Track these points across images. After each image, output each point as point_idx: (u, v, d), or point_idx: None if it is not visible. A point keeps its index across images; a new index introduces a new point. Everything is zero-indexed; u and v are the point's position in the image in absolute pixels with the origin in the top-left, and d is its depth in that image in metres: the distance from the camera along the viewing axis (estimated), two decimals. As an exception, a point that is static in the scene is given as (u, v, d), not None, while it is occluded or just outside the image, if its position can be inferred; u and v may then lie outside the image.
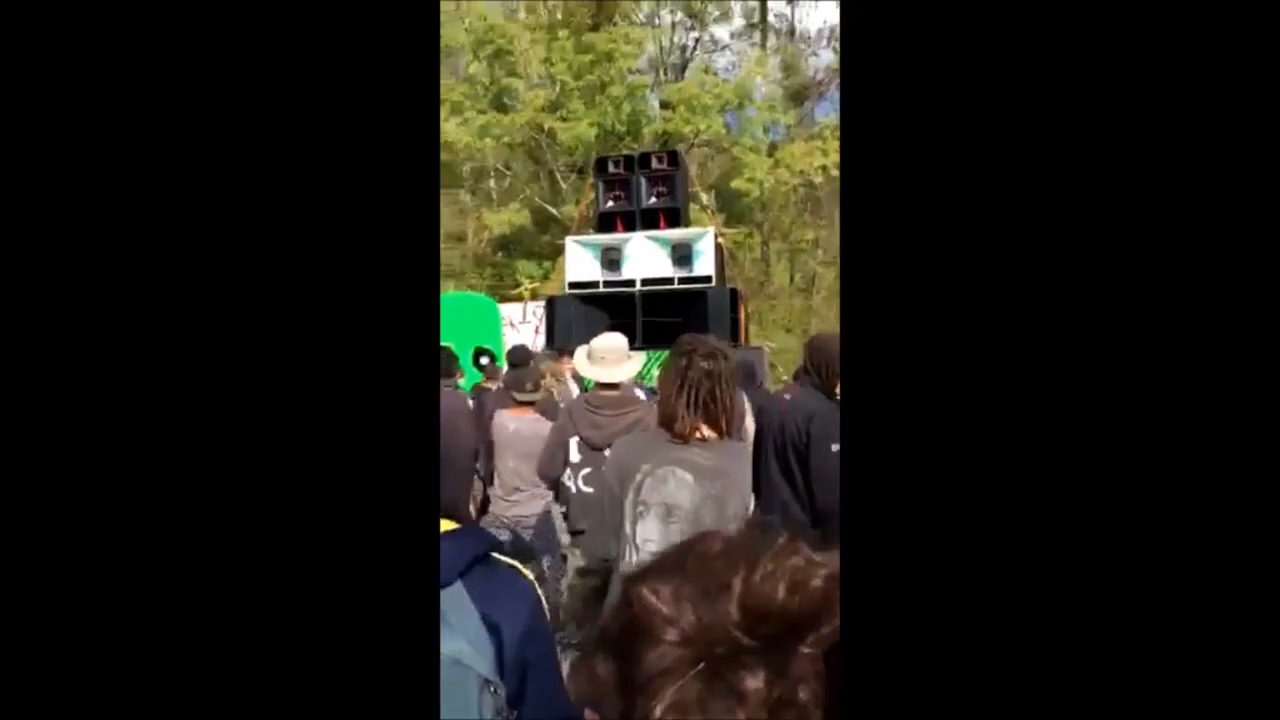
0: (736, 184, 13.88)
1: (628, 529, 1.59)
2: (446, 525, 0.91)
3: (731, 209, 14.62)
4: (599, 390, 2.49)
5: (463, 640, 0.82)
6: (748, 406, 3.38)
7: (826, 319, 13.35)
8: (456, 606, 0.84)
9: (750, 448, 2.21)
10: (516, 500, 3.13)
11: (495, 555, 0.92)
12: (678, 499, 1.57)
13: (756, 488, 2.81)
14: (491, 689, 0.82)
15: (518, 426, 3.13)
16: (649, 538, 1.56)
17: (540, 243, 15.06)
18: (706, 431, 1.66)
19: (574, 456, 2.43)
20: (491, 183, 15.70)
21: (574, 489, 2.45)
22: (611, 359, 2.51)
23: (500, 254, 15.81)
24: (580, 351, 2.60)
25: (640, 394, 2.87)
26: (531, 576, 0.93)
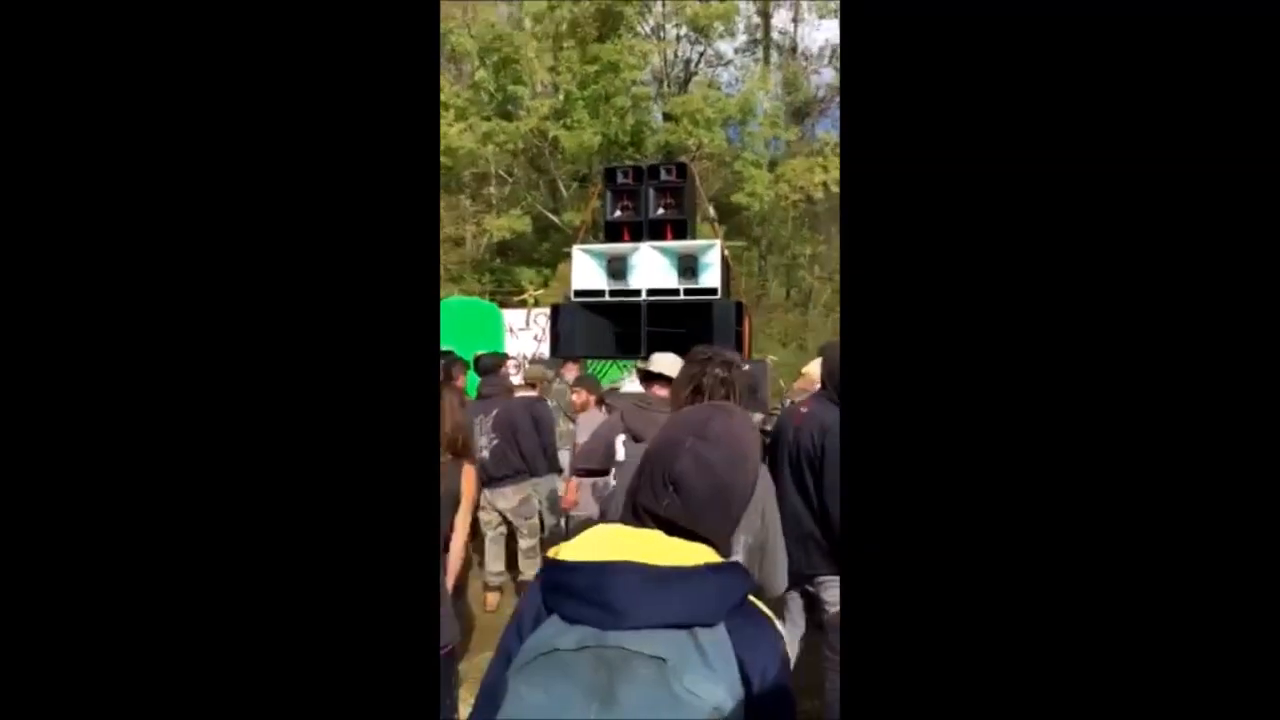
0: (737, 198, 13.96)
1: None
2: (709, 556, 0.86)
3: (729, 222, 14.69)
4: (650, 390, 2.55)
5: (724, 689, 0.76)
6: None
7: (822, 333, 13.41)
8: (720, 650, 0.78)
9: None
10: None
11: (752, 598, 0.86)
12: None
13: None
14: None
15: None
16: None
17: (540, 249, 15.08)
18: None
19: (620, 455, 2.45)
20: (492, 189, 15.72)
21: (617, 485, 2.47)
22: (663, 365, 2.56)
23: (499, 260, 15.81)
24: (633, 375, 2.66)
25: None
26: (780, 626, 0.87)
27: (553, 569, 0.86)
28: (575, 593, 0.81)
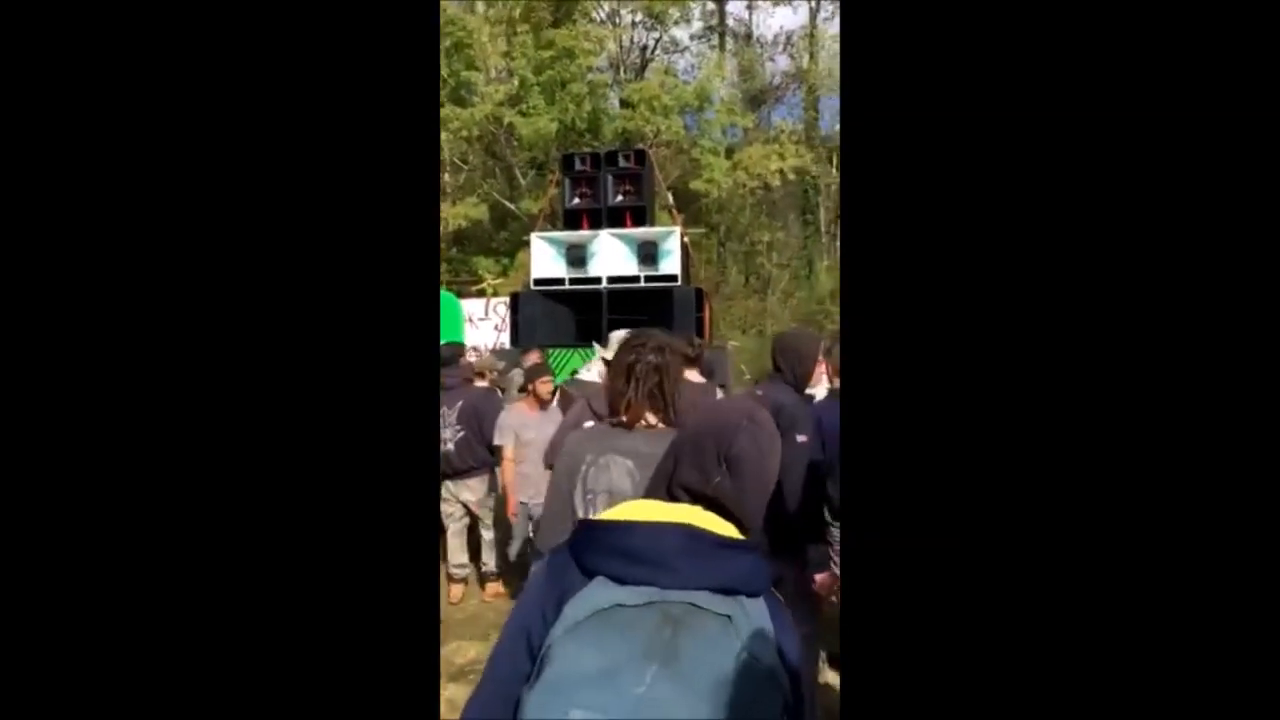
0: (695, 185, 13.98)
1: (582, 516, 1.64)
2: (733, 532, 0.86)
3: (688, 210, 14.73)
4: None
5: (774, 654, 0.77)
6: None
7: (780, 319, 13.57)
8: (764, 620, 0.79)
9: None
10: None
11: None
12: (620, 486, 1.63)
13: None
14: (787, 713, 0.77)
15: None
16: None
17: (498, 238, 14.89)
18: (652, 419, 1.73)
19: None
20: (447, 176, 15.46)
21: None
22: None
23: (456, 249, 15.58)
24: (598, 355, 2.60)
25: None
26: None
27: (597, 530, 0.85)
28: (627, 552, 0.80)
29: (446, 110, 13.27)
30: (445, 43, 13.49)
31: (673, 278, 5.91)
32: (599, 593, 0.78)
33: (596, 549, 0.83)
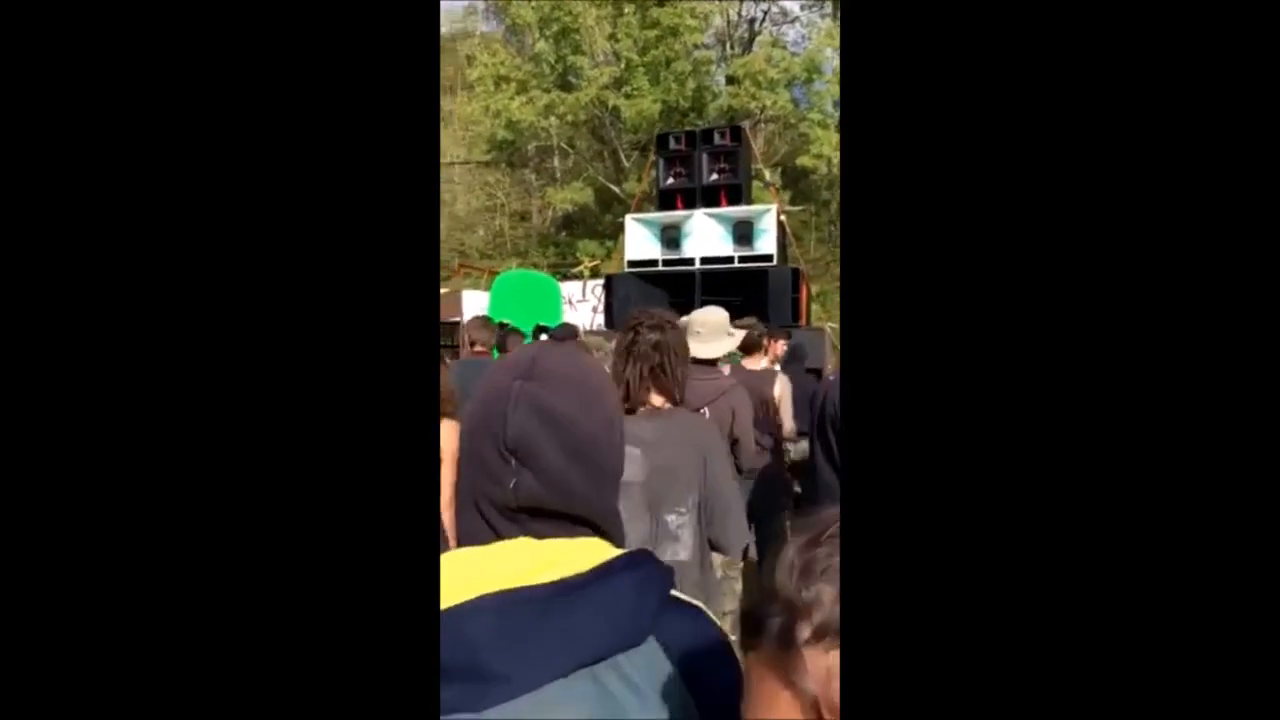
0: (803, 160, 13.55)
1: None
2: (602, 550, 0.62)
3: (797, 186, 14.30)
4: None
5: (685, 710, 0.57)
6: (783, 388, 3.14)
7: (894, 300, 12.97)
8: (656, 677, 0.57)
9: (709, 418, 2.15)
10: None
11: (675, 593, 0.64)
12: (629, 475, 1.58)
13: (810, 467, 2.77)
14: None
15: None
16: None
17: (603, 221, 15.10)
18: (657, 400, 1.66)
19: None
20: (555, 161, 15.80)
21: None
22: (707, 333, 2.45)
23: (563, 232, 15.94)
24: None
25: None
26: (719, 623, 0.65)
27: None
28: None
29: (554, 96, 13.54)
30: (553, 29, 13.74)
31: (768, 257, 5.75)
32: None
33: None
